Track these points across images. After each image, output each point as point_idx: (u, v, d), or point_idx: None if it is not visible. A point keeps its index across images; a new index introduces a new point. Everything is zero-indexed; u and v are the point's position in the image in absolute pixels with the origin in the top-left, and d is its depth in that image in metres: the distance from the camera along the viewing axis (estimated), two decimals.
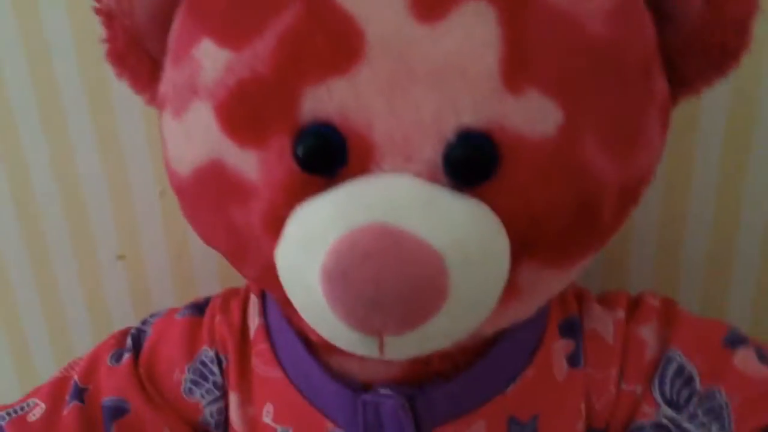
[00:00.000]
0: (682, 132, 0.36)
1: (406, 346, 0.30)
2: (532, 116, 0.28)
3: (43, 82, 0.50)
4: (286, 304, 0.37)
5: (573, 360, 0.39)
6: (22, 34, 0.49)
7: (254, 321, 0.41)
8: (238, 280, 0.50)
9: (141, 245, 0.54)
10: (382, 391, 0.37)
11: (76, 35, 0.49)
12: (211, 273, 0.54)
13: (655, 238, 0.49)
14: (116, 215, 0.53)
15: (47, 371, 0.56)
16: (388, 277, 0.26)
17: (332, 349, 0.37)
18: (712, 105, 0.45)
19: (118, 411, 0.41)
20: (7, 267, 0.55)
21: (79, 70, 0.49)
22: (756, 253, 0.48)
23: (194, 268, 0.54)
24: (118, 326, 0.46)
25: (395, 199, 0.28)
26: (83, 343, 0.56)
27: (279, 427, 0.39)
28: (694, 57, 0.32)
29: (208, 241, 0.36)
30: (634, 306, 0.40)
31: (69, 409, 0.41)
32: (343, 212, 0.28)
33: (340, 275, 0.27)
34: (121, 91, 0.48)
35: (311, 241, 0.28)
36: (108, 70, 0.48)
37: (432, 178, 0.28)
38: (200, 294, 0.51)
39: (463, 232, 0.28)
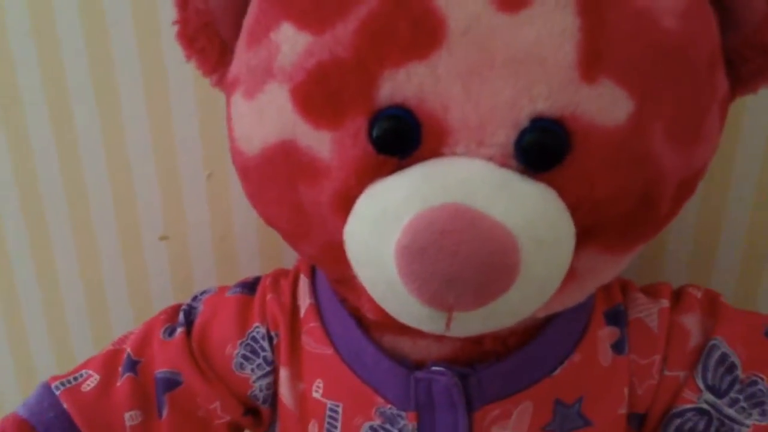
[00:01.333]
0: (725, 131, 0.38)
1: (472, 323, 0.31)
2: (605, 105, 0.29)
3: (100, 61, 0.51)
4: (340, 283, 0.39)
5: (618, 347, 0.40)
6: (81, 10, 0.50)
7: (305, 300, 0.43)
8: (279, 263, 0.52)
9: (186, 226, 0.55)
10: (435, 368, 0.38)
11: (136, 15, 0.49)
12: (254, 256, 0.55)
13: (691, 234, 0.50)
14: (163, 196, 0.54)
15: (85, 344, 0.58)
16: (464, 254, 0.28)
17: (385, 327, 0.39)
18: (756, 105, 0.46)
19: (170, 383, 0.42)
20: (49, 239, 0.56)
21: (137, 50, 0.50)
22: None
23: (237, 251, 0.55)
24: (158, 307, 0.47)
25: (469, 180, 0.29)
26: (122, 321, 0.58)
27: (329, 402, 0.41)
28: (753, 56, 0.33)
29: (269, 219, 0.37)
30: (678, 297, 0.42)
31: (122, 380, 0.42)
32: (419, 191, 0.29)
33: (418, 251, 0.28)
34: (175, 75, 0.50)
35: (386, 219, 0.29)
36: (164, 49, 0.50)
37: (503, 163, 0.29)
38: (242, 275, 0.52)
39: (534, 214, 0.29)
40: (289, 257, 0.53)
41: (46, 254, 0.57)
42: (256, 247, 0.55)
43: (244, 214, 0.54)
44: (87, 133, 0.53)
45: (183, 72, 0.49)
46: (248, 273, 0.54)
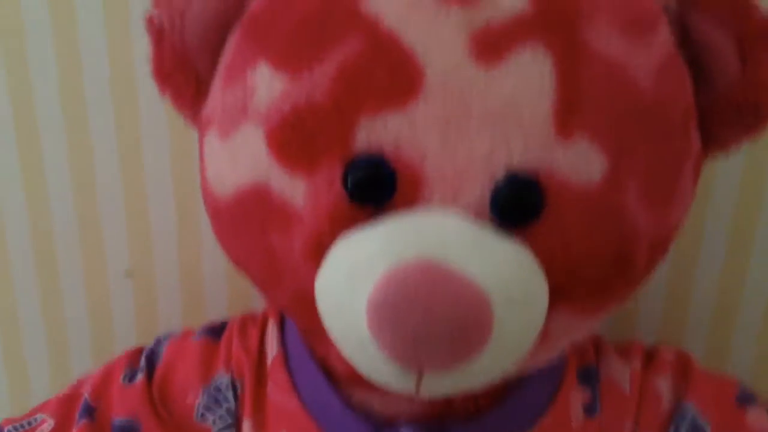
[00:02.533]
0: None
1: (443, 385, 0.30)
2: (580, 163, 0.29)
3: (71, 91, 0.50)
4: (310, 333, 0.38)
5: (589, 409, 0.39)
6: (55, 39, 0.49)
7: (272, 348, 0.41)
8: (248, 306, 0.50)
9: (152, 262, 0.53)
10: (403, 429, 0.37)
11: (111, 48, 0.48)
12: (222, 296, 0.54)
13: (663, 289, 0.50)
14: (129, 231, 0.53)
15: (42, 383, 0.56)
16: (437, 313, 0.27)
17: (354, 382, 0.37)
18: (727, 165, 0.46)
19: (128, 431, 0.41)
20: (11, 272, 0.54)
21: (108, 80, 0.49)
22: (760, 310, 0.50)
23: (204, 290, 0.54)
24: (120, 343, 0.45)
25: (444, 235, 0.28)
26: (82, 357, 0.56)
27: None
28: (726, 116, 0.33)
29: (239, 263, 0.36)
30: (650, 357, 0.41)
31: (78, 426, 0.41)
32: (393, 245, 0.28)
33: (390, 308, 0.27)
34: (147, 103, 0.49)
35: (358, 272, 0.29)
36: (137, 80, 0.49)
37: (478, 215, 0.29)
38: (207, 316, 0.51)
39: (508, 273, 0.28)
40: (258, 298, 0.51)
41: (6, 288, 0.55)
42: (225, 287, 0.54)
43: (213, 252, 0.52)
44: (54, 163, 0.51)
45: (155, 105, 0.48)
46: (215, 313, 0.53)
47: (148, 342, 0.45)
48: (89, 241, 0.53)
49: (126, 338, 0.55)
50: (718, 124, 0.33)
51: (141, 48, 0.35)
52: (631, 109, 0.29)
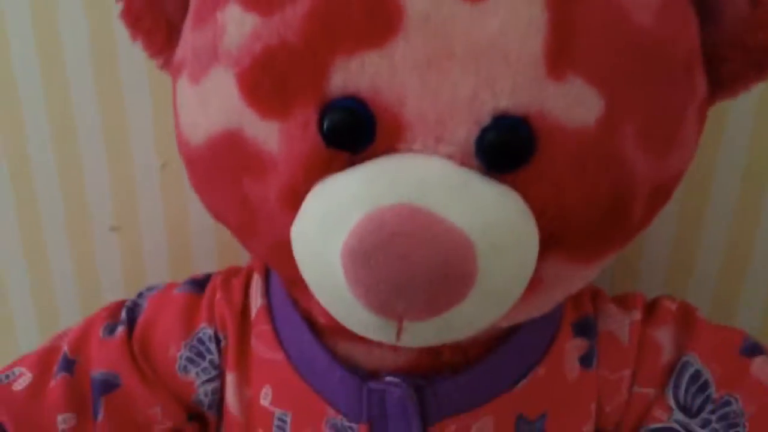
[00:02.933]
0: (705, 134, 0.36)
1: (425, 334, 0.29)
2: (573, 104, 0.27)
3: (48, 43, 0.48)
4: (292, 284, 0.36)
5: (585, 360, 0.38)
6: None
7: (256, 301, 0.40)
8: (236, 259, 0.49)
9: (137, 217, 0.52)
10: (389, 379, 0.35)
11: None
12: (209, 250, 0.52)
13: (669, 239, 0.48)
14: (113, 186, 0.51)
15: (30, 340, 0.55)
16: (415, 260, 0.25)
17: (339, 334, 0.36)
18: (738, 108, 0.44)
19: (108, 385, 0.40)
20: None
21: (87, 34, 0.47)
22: None
23: (191, 244, 0.52)
24: (108, 299, 0.44)
25: (425, 179, 0.26)
26: (70, 313, 0.55)
27: (277, 411, 0.38)
28: (735, 58, 0.31)
29: (216, 213, 0.35)
30: (651, 308, 0.39)
31: (57, 380, 0.40)
32: (370, 190, 0.27)
33: (364, 255, 0.26)
34: (127, 58, 0.47)
35: (333, 218, 0.27)
36: (115, 34, 0.47)
37: (463, 162, 0.27)
38: (196, 271, 0.50)
39: (493, 218, 0.27)
40: (246, 252, 0.50)
41: None
42: (212, 241, 0.52)
43: (199, 206, 0.51)
44: (34, 119, 0.50)
45: (134, 55, 0.46)
46: (203, 267, 0.52)
47: None
48: (73, 196, 0.52)
49: (113, 293, 0.53)
50: (726, 65, 0.31)
51: None
52: (630, 48, 0.27)
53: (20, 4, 0.47)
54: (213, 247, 0.52)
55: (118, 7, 0.34)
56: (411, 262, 0.25)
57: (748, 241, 0.47)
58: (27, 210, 0.52)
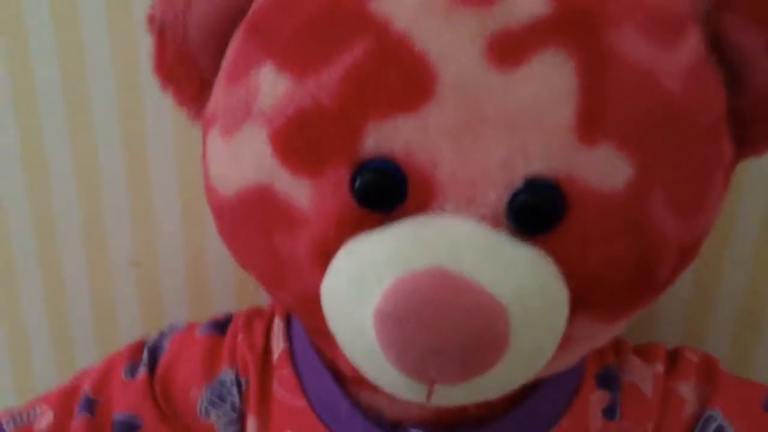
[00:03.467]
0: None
1: (456, 396, 0.29)
2: (603, 169, 0.27)
3: (73, 80, 0.48)
4: (317, 334, 0.36)
5: (609, 413, 0.38)
6: (58, 34, 0.48)
7: (278, 344, 0.40)
8: (256, 296, 0.49)
9: (157, 253, 0.52)
10: (413, 430, 0.35)
11: (114, 43, 0.47)
12: (228, 287, 0.53)
13: (687, 291, 0.48)
14: (134, 221, 0.51)
15: (46, 376, 0.55)
16: (448, 326, 0.26)
17: (362, 382, 0.36)
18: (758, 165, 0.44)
19: (129, 427, 0.40)
20: (15, 264, 0.53)
21: (113, 70, 0.48)
22: None
23: (210, 281, 0.53)
24: (125, 337, 0.44)
25: (457, 242, 0.27)
26: (86, 350, 0.55)
27: None
28: (762, 120, 0.31)
29: (244, 263, 0.35)
30: (673, 360, 0.39)
31: (78, 420, 0.40)
32: (403, 252, 0.27)
33: (398, 319, 0.26)
34: (152, 97, 0.48)
35: (366, 279, 0.27)
36: (140, 74, 0.47)
37: (494, 224, 0.27)
38: (214, 308, 0.50)
39: (525, 281, 0.27)
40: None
41: (9, 281, 0.54)
42: (231, 277, 0.52)
43: (218, 242, 0.51)
44: (56, 152, 0.50)
45: (160, 96, 0.47)
46: (222, 303, 0.52)
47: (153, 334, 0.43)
48: (92, 232, 0.52)
49: (131, 330, 0.53)
50: (752, 128, 0.31)
51: (145, 43, 0.34)
52: (658, 114, 0.28)
53: (47, 48, 0.48)
54: (232, 284, 0.52)
55: (146, 52, 0.34)
56: (444, 329, 0.26)
57: (766, 291, 0.47)
58: (47, 243, 0.52)
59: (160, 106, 0.48)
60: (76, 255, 0.53)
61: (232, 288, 0.52)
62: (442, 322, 0.25)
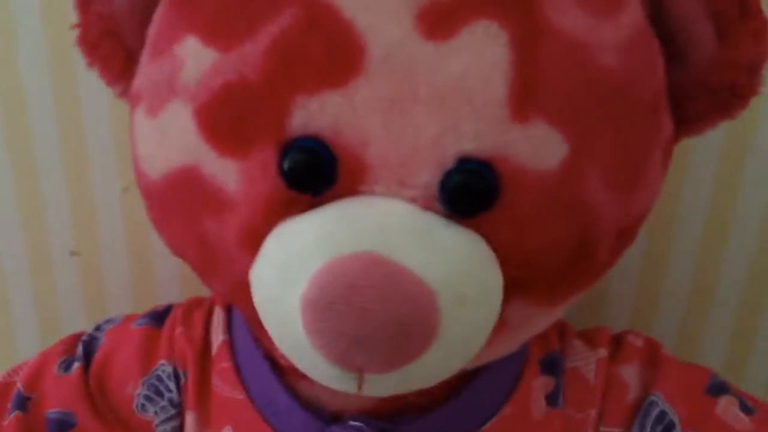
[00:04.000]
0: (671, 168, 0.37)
1: (387, 385, 0.28)
2: (537, 148, 0.26)
3: (6, 65, 0.46)
4: (255, 323, 0.35)
5: (552, 399, 0.37)
6: None
7: (218, 336, 0.39)
8: (201, 287, 0.48)
9: (98, 242, 0.51)
10: (352, 422, 0.35)
11: (46, 18, 0.45)
12: (172, 276, 0.51)
13: (635, 271, 0.48)
14: (74, 209, 0.50)
15: None
16: (375, 314, 0.25)
17: (300, 375, 0.35)
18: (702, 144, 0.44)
19: (63, 425, 0.39)
20: None
21: (47, 56, 0.46)
22: (735, 292, 0.48)
23: (155, 269, 0.51)
24: (67, 328, 0.43)
25: (387, 225, 0.26)
26: (28, 344, 0.53)
27: None
28: (702, 97, 0.31)
29: (175, 249, 0.34)
30: (617, 345, 0.39)
31: (10, 419, 0.39)
32: (330, 236, 0.26)
33: (324, 307, 0.25)
34: (87, 81, 0.46)
35: (292, 266, 0.26)
36: (75, 58, 0.45)
37: (426, 205, 0.26)
38: (159, 299, 0.48)
39: (457, 266, 0.26)
40: None
41: None
42: (176, 268, 0.51)
43: None
44: None
45: (95, 78, 0.46)
46: (167, 295, 0.51)
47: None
48: (31, 222, 0.50)
49: (74, 320, 0.52)
50: (692, 104, 0.31)
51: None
52: (595, 90, 0.27)
53: None
54: (176, 272, 0.51)
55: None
56: (371, 315, 0.25)
57: (713, 273, 0.48)
58: None
59: (97, 89, 0.46)
60: (17, 246, 0.51)
61: (177, 278, 0.51)
62: (369, 309, 0.25)
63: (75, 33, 0.33)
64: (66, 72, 0.47)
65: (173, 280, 0.51)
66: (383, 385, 0.28)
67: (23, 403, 0.39)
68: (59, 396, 0.39)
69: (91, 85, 0.46)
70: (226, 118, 0.27)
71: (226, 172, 0.28)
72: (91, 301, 0.52)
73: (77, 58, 0.45)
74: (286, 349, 0.29)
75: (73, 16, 0.44)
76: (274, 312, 0.28)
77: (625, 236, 0.31)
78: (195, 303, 0.42)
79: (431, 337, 0.26)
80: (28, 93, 0.47)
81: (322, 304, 0.25)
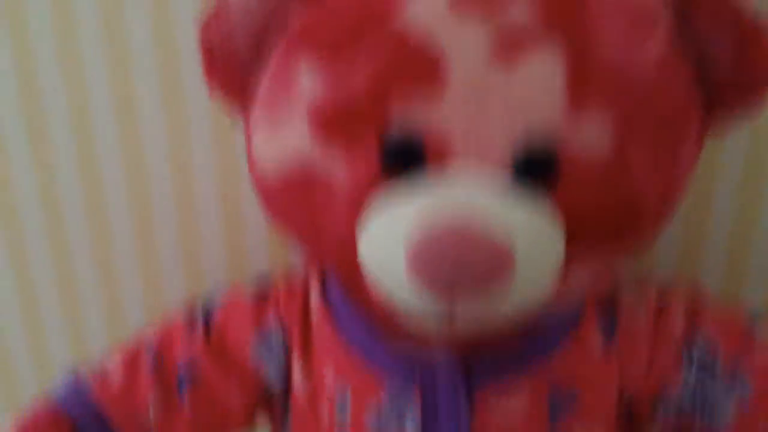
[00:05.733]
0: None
1: (474, 319, 0.35)
2: (590, 133, 0.33)
3: (120, 80, 0.54)
4: (351, 286, 0.42)
5: (607, 342, 0.43)
6: (104, 33, 0.52)
7: (316, 301, 0.46)
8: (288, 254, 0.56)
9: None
10: (440, 363, 0.42)
11: (156, 38, 0.52)
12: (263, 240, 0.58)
13: (679, 230, 0.54)
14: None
15: (100, 338, 0.62)
16: (466, 259, 0.32)
17: (394, 333, 0.42)
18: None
19: (191, 377, 0.46)
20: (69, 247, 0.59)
21: (155, 67, 0.53)
22: None
23: (247, 240, 0.58)
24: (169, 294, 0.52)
25: (472, 193, 0.33)
26: (136, 313, 0.61)
27: (339, 386, 0.44)
28: (728, 93, 0.37)
29: (286, 231, 0.41)
30: (664, 293, 0.45)
31: (146, 374, 0.46)
32: (425, 209, 0.33)
33: (428, 242, 0.32)
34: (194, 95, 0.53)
35: (398, 220, 0.33)
36: (181, 73, 0.52)
37: (502, 178, 0.33)
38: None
39: (528, 224, 0.33)
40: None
41: (65, 264, 0.60)
42: (266, 233, 0.58)
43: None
44: (106, 152, 0.56)
45: (202, 100, 0.53)
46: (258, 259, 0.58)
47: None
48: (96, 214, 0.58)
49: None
50: (720, 101, 0.37)
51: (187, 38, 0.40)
52: (636, 94, 0.34)
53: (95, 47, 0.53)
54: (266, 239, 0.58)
55: (188, 50, 0.39)
56: (463, 260, 0.32)
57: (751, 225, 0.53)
58: (98, 225, 0.58)
59: (200, 104, 0.53)
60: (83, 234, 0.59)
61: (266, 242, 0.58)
62: (461, 245, 0.31)
63: (184, 52, 0.40)
64: (175, 98, 0.54)
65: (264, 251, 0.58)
66: (471, 319, 0.35)
67: (156, 359, 0.46)
68: (186, 352, 0.46)
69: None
70: (336, 125, 0.35)
71: (336, 165, 0.35)
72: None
73: (183, 72, 0.52)
74: (388, 284, 0.35)
75: (180, 36, 0.51)
76: (378, 254, 0.35)
77: (667, 202, 0.37)
78: (293, 273, 0.48)
79: (509, 276, 0.32)
80: (140, 105, 0.54)
81: (422, 262, 0.32)
